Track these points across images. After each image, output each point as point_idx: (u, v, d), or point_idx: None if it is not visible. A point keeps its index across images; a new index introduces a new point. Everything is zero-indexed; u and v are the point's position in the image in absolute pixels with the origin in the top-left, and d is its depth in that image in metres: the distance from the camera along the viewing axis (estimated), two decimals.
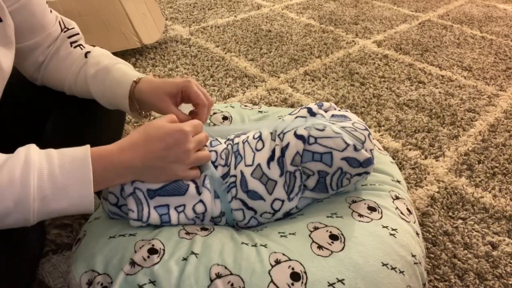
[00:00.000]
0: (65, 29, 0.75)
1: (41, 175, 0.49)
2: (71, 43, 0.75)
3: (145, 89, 0.68)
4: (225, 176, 0.66)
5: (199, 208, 0.62)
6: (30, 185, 0.48)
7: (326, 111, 0.71)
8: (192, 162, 0.60)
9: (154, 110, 0.70)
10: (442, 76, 1.54)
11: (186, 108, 0.71)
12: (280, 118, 0.80)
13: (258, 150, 0.66)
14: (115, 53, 0.77)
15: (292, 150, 0.63)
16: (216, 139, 0.72)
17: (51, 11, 0.72)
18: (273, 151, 0.65)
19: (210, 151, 0.67)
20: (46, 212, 0.51)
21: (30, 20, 0.68)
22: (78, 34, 0.76)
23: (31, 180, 0.49)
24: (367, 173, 0.65)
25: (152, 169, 0.57)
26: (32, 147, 0.52)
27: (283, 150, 0.64)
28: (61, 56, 0.74)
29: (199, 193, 0.62)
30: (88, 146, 0.54)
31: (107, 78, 0.69)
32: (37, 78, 0.76)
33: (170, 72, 1.46)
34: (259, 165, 0.65)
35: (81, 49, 0.75)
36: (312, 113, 0.69)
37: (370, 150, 0.64)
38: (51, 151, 0.53)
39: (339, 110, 0.71)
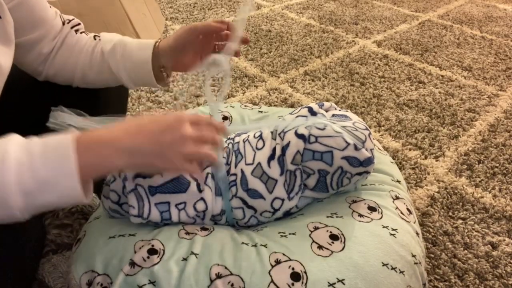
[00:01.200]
0: (67, 21, 0.75)
1: (21, 170, 0.46)
2: (76, 31, 0.75)
3: (171, 39, 0.71)
4: (226, 174, 0.66)
5: (200, 206, 0.63)
6: (7, 182, 0.46)
7: (326, 110, 0.71)
8: (190, 152, 0.54)
9: (184, 59, 0.71)
10: (442, 76, 1.54)
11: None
12: (280, 118, 0.80)
13: (258, 149, 0.66)
14: None
15: (293, 149, 0.63)
16: None
17: (50, 7, 0.73)
18: (274, 150, 0.65)
19: None
20: (35, 206, 0.48)
21: (31, 16, 0.68)
22: (80, 24, 0.77)
23: (7, 176, 0.46)
24: (368, 172, 0.65)
25: (146, 153, 0.53)
26: (13, 139, 0.49)
27: (284, 149, 0.64)
28: (69, 44, 0.74)
29: (200, 190, 0.62)
30: (73, 133, 0.51)
31: (126, 49, 0.71)
32: (41, 72, 0.75)
33: None
34: (259, 164, 0.65)
35: (87, 34, 0.76)
36: (312, 112, 0.69)
37: (371, 149, 0.64)
38: (34, 140, 0.49)
39: (339, 110, 0.71)
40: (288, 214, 0.67)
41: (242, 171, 0.65)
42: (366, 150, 0.63)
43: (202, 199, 0.63)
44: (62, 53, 0.74)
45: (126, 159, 0.52)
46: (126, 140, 0.52)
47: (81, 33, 0.76)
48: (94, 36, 0.75)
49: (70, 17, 0.77)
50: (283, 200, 0.65)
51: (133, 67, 0.71)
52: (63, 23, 0.75)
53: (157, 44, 0.71)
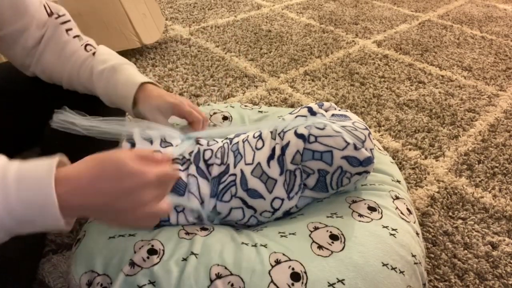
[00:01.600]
0: (56, 16, 0.73)
1: None
2: (67, 30, 0.73)
3: (141, 99, 0.70)
4: (222, 174, 0.66)
5: (195, 212, 0.63)
6: None
7: (326, 110, 0.71)
8: (146, 216, 0.47)
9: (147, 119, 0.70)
10: (442, 76, 1.54)
11: (176, 121, 0.73)
12: (280, 118, 0.80)
13: (258, 149, 0.66)
14: None
15: (293, 148, 0.63)
16: (213, 139, 0.72)
17: None
18: (273, 150, 0.65)
19: (205, 150, 0.68)
20: (18, 234, 0.44)
21: (12, 3, 0.66)
22: (70, 21, 0.75)
23: None
24: (367, 172, 0.65)
25: (95, 211, 0.46)
26: None
27: (283, 149, 0.64)
28: (59, 44, 0.72)
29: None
30: (51, 166, 0.43)
31: (112, 79, 0.70)
32: (29, 66, 0.74)
33: (170, 72, 1.46)
34: (259, 163, 0.65)
35: (80, 40, 0.74)
36: (312, 112, 0.69)
37: (370, 149, 0.64)
38: (9, 172, 0.42)
39: (339, 110, 0.71)
40: (288, 214, 0.67)
41: (241, 171, 0.65)
42: (366, 149, 0.63)
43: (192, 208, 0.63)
44: (49, 53, 0.72)
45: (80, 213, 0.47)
46: (72, 199, 0.43)
47: (74, 37, 0.74)
48: (86, 46, 0.73)
49: (60, 11, 0.74)
50: (283, 200, 0.65)
51: (116, 98, 0.71)
52: (50, 15, 0.72)
53: (144, 86, 0.70)
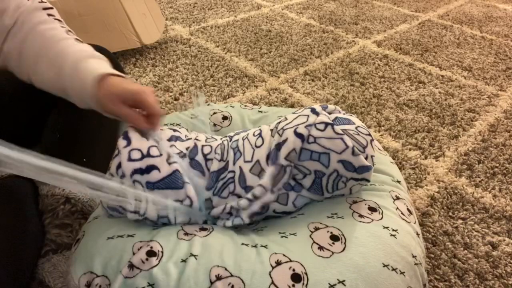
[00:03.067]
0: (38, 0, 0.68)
1: None
2: (49, 15, 0.68)
3: (102, 89, 0.64)
4: (222, 170, 0.66)
5: (186, 203, 0.63)
6: None
7: (330, 113, 0.70)
8: None
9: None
10: (442, 76, 1.54)
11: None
12: (280, 118, 0.80)
13: (257, 147, 0.66)
14: (115, 53, 0.77)
15: (289, 145, 0.63)
16: (212, 137, 0.72)
17: None
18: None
19: (204, 145, 0.68)
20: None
21: None
22: (52, 8, 0.70)
23: None
24: (365, 179, 0.64)
25: None
26: None
27: (280, 144, 0.64)
28: (34, 21, 0.66)
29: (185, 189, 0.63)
30: None
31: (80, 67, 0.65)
32: (1, 49, 0.66)
33: (170, 72, 1.46)
34: (258, 161, 0.65)
35: (60, 23, 0.68)
36: (315, 113, 0.68)
37: (371, 156, 0.64)
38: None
39: (343, 114, 0.71)
40: (285, 214, 0.67)
41: (240, 168, 0.65)
42: (366, 155, 0.63)
43: (187, 196, 0.63)
44: (23, 32, 0.66)
45: None
46: None
47: (54, 19, 0.68)
48: (68, 32, 0.68)
49: None
50: (265, 188, 0.64)
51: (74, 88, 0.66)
52: None
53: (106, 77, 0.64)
